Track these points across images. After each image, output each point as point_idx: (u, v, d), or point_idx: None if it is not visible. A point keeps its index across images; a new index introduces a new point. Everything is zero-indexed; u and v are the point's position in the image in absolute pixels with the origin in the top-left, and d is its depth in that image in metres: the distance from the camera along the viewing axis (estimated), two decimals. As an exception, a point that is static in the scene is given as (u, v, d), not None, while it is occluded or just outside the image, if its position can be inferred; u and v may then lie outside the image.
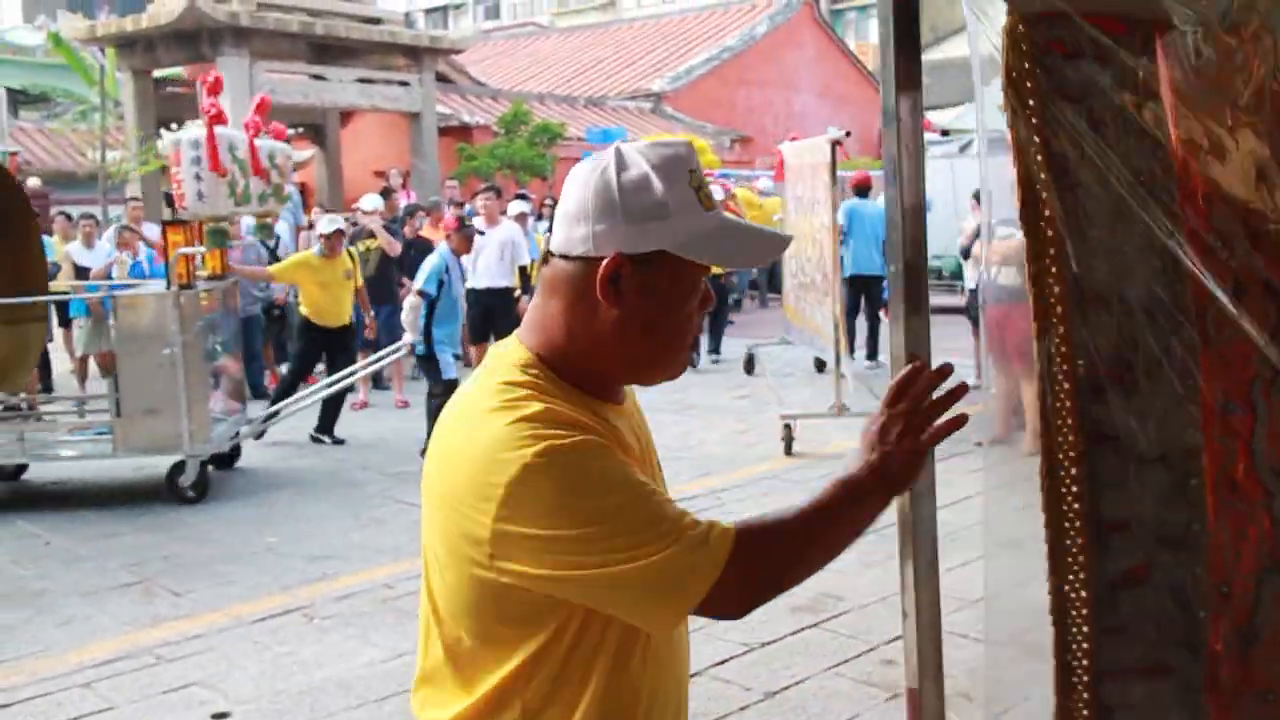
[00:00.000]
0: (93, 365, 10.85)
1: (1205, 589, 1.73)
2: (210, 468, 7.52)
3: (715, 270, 1.56)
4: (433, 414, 7.83)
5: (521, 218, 11.47)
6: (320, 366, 9.45)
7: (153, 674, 4.66)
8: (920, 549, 2.15)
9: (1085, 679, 1.83)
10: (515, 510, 1.33)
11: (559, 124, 18.09)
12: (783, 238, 1.60)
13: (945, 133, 22.49)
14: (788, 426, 8.29)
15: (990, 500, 2.98)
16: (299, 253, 10.11)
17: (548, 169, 17.08)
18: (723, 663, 4.64)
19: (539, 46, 30.81)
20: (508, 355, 1.50)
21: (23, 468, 7.94)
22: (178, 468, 7.24)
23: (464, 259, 8.67)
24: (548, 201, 14.64)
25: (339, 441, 8.93)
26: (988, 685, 3.82)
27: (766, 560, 1.43)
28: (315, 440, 8.93)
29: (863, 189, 12.47)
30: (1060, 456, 1.82)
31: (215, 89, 7.69)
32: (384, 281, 10.71)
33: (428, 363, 8.12)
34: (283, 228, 11.66)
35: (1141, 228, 1.69)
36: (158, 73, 16.05)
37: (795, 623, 5.07)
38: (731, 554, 1.39)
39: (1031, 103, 1.79)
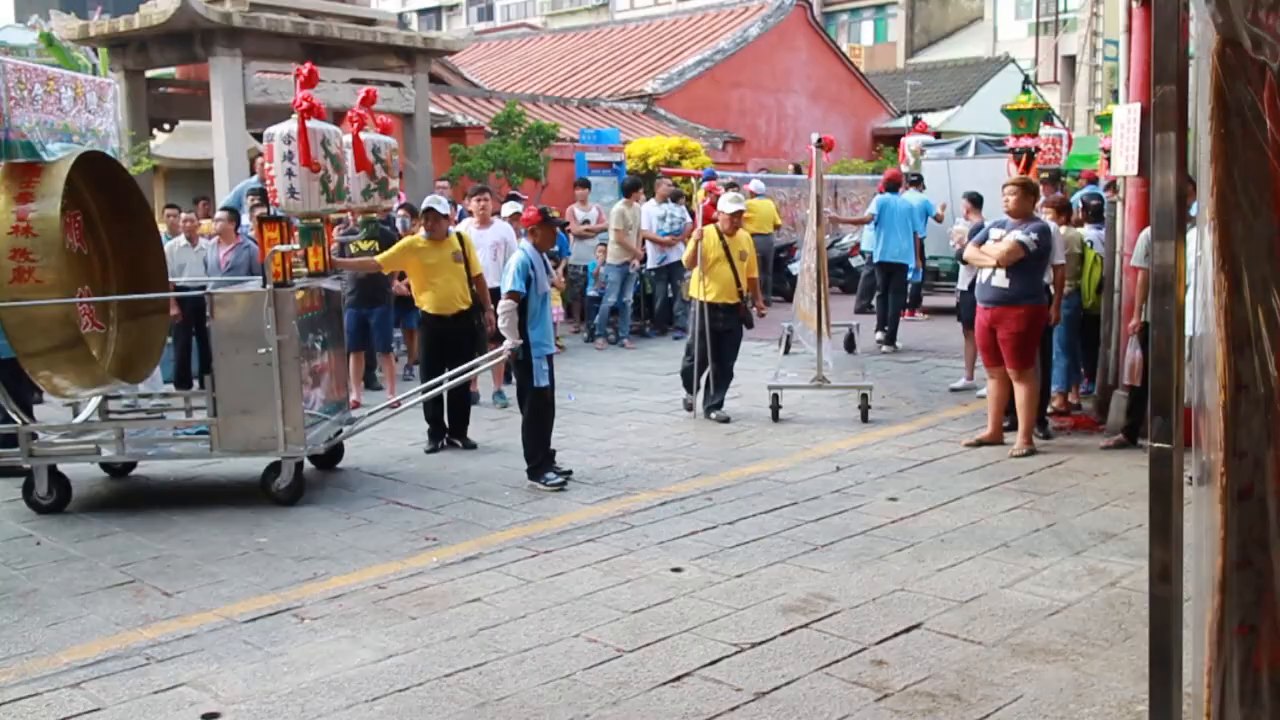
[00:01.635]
0: None
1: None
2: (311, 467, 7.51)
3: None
4: (526, 420, 7.59)
5: (515, 218, 11.48)
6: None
7: (143, 674, 4.65)
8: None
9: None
10: None
11: (552, 125, 18.08)
12: None
13: (937, 135, 22.50)
14: (775, 395, 9.55)
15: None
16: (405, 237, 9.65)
17: (541, 170, 17.07)
18: (713, 663, 4.64)
19: (532, 48, 30.80)
20: None
21: (131, 464, 7.93)
22: (272, 469, 7.16)
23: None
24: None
25: (470, 445, 8.68)
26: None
27: None
28: (450, 446, 8.66)
29: (894, 184, 14.10)
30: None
31: (309, 82, 7.35)
32: (375, 282, 10.69)
33: (522, 365, 7.62)
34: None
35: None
36: (150, 73, 16.00)
37: (786, 623, 5.07)
38: None
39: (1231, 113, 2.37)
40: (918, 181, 14.85)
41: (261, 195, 9.76)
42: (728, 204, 9.62)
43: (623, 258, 13.66)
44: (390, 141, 8.65)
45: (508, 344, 7.48)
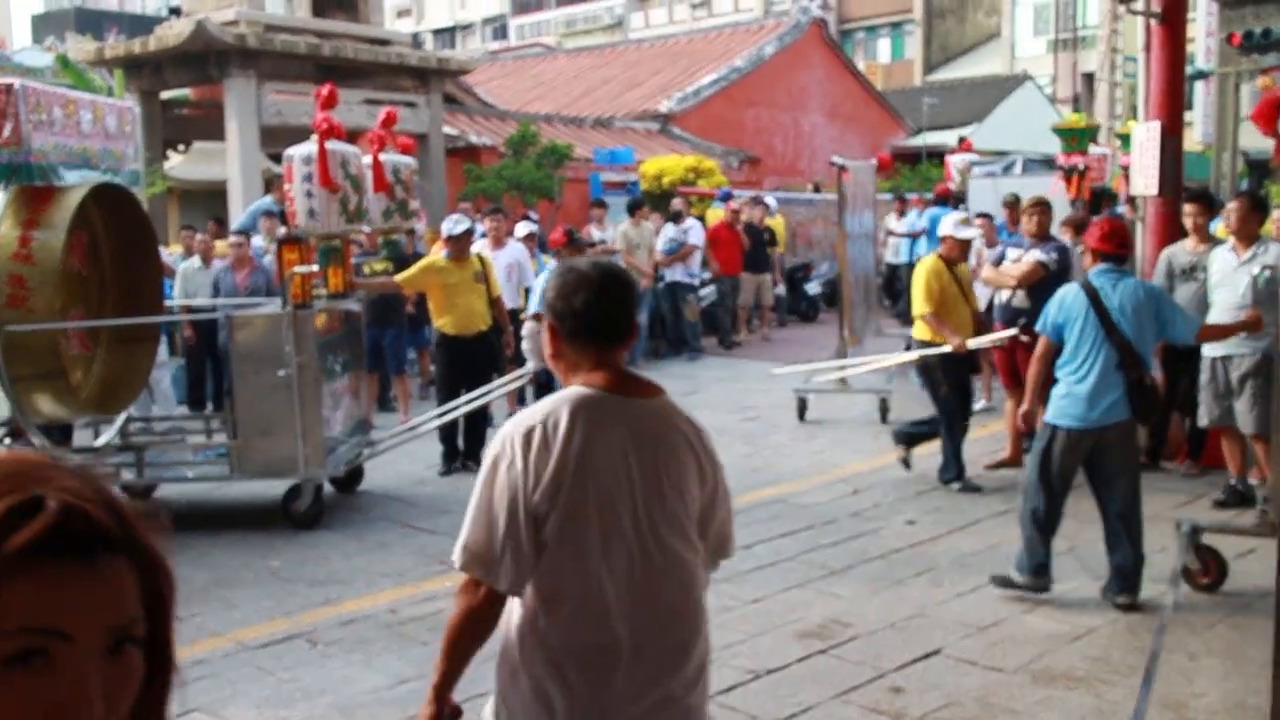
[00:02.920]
0: None
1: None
2: (332, 490, 7.46)
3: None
4: None
5: (529, 239, 11.47)
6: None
7: (153, 701, 4.60)
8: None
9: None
10: None
11: (566, 145, 18.09)
12: None
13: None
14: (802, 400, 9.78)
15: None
16: (427, 256, 9.57)
17: (555, 190, 17.08)
18: (729, 690, 4.58)
19: (546, 68, 30.88)
20: None
21: (152, 486, 7.91)
22: (292, 492, 7.12)
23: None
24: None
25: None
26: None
27: None
28: (465, 469, 8.54)
29: (943, 199, 14.72)
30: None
31: (328, 103, 7.33)
32: (388, 303, 10.68)
33: (544, 387, 7.48)
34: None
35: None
36: (165, 94, 16.10)
37: (803, 649, 5.00)
38: None
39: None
40: (959, 200, 14.91)
41: (281, 216, 9.79)
42: (958, 228, 7.86)
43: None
44: (410, 162, 8.63)
45: (529, 366, 7.42)
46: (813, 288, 18.33)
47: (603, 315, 2.42)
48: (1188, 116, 26.09)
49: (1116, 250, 5.50)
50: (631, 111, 24.73)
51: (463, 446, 8.70)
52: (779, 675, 4.73)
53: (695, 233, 14.50)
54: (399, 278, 8.96)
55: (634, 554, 2.32)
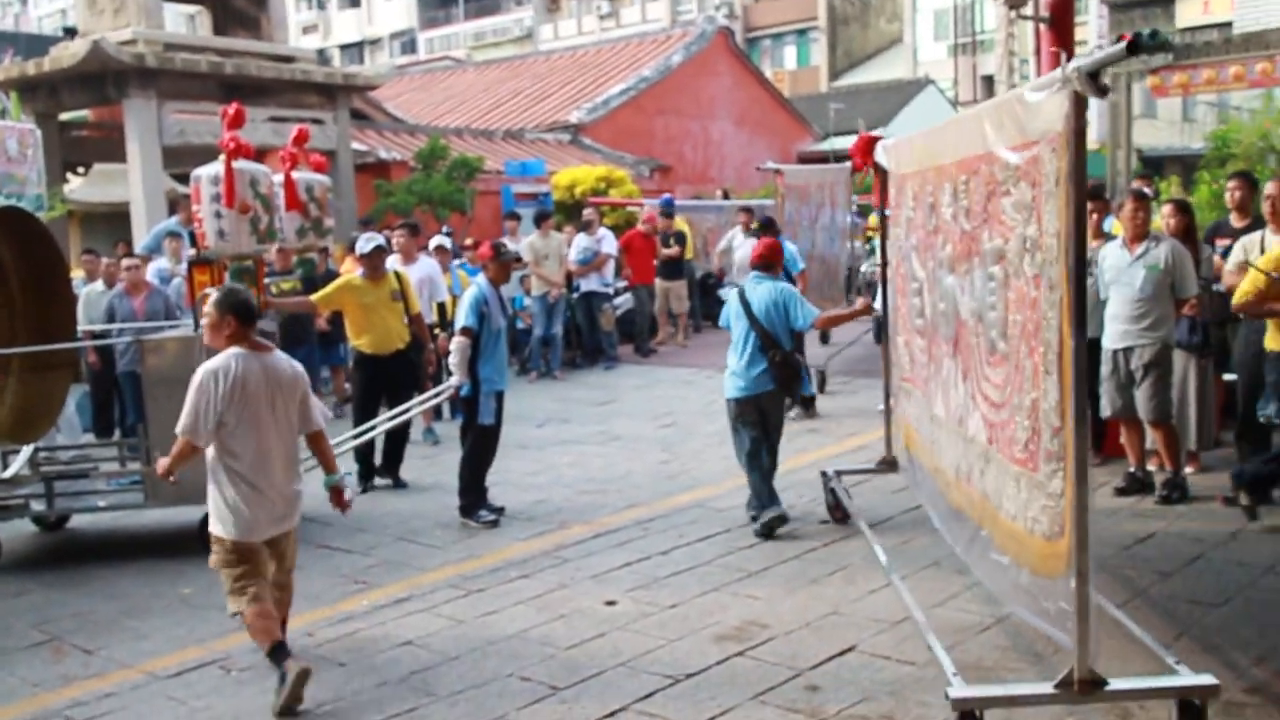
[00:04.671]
0: None
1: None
2: None
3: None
4: (465, 456, 7.48)
5: (441, 251, 11.41)
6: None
7: (61, 737, 4.50)
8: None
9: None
10: None
11: (477, 158, 18.04)
12: None
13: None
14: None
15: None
16: (342, 276, 9.40)
17: (467, 203, 17.01)
18: (648, 696, 4.61)
19: (456, 81, 30.76)
20: None
21: (65, 518, 7.69)
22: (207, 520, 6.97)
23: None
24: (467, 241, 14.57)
25: (401, 485, 8.50)
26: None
27: None
28: (381, 485, 8.50)
29: None
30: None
31: (235, 122, 7.16)
32: (299, 322, 10.55)
33: (467, 404, 7.46)
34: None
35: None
36: (63, 115, 15.74)
37: (720, 652, 5.05)
38: None
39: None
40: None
41: (191, 238, 9.62)
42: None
43: (541, 289, 13.61)
44: (323, 180, 8.54)
45: (451, 382, 7.37)
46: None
47: (248, 311, 4.90)
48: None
49: (764, 265, 7.16)
50: (542, 123, 24.75)
51: (380, 463, 8.62)
52: (697, 679, 4.77)
53: (608, 242, 14.54)
54: (315, 297, 8.85)
55: (268, 433, 4.83)
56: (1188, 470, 7.43)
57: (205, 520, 6.94)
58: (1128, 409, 7.27)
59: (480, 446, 7.49)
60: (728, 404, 7.09)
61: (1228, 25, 18.34)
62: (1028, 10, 8.76)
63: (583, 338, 14.72)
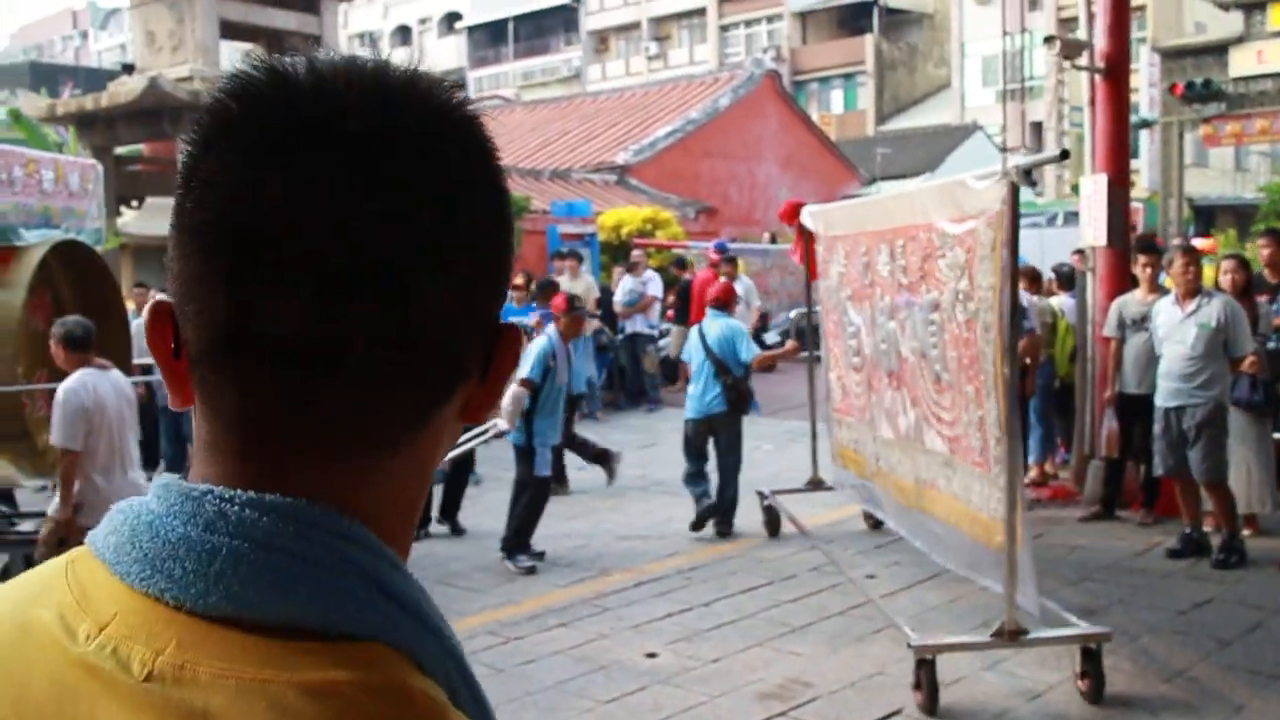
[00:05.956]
0: None
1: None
2: None
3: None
4: (524, 508, 7.37)
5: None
6: None
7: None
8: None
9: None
10: None
11: (524, 197, 18.13)
12: None
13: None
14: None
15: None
16: None
17: (514, 242, 17.08)
18: (689, 757, 4.51)
19: (504, 120, 31.02)
20: None
21: None
22: None
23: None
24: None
25: (459, 531, 8.20)
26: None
27: None
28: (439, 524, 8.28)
29: None
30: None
31: None
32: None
33: (524, 454, 7.42)
34: None
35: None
36: (118, 149, 16.01)
37: (764, 711, 4.94)
38: None
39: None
40: None
41: None
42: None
43: None
44: None
45: (500, 425, 7.26)
46: (771, 337, 18.39)
47: (72, 340, 5.48)
48: (1134, 164, 26.62)
49: (718, 304, 8.20)
50: (589, 163, 24.87)
51: (438, 505, 8.36)
52: (739, 739, 4.66)
53: (654, 284, 14.51)
54: None
55: (116, 437, 5.46)
56: (1245, 533, 7.24)
57: None
58: (1180, 468, 7.11)
59: (538, 499, 7.43)
60: (685, 423, 8.22)
61: (1283, 76, 18.19)
62: (1082, 61, 8.67)
63: (625, 379, 14.67)
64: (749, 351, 8.00)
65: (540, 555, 7.43)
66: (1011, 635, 4.99)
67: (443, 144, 0.69)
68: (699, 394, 8.01)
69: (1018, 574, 4.97)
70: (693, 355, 8.19)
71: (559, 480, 9.23)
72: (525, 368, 7.23)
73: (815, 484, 8.37)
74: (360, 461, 0.68)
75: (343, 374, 0.66)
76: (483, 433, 7.58)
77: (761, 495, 8.14)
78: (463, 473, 8.34)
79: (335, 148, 0.65)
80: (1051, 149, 29.28)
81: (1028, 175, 5.01)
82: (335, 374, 0.66)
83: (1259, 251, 8.06)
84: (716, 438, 8.07)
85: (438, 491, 8.37)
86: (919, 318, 5.99)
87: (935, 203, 5.73)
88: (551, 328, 7.56)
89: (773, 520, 8.03)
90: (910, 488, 6.44)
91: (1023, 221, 18.47)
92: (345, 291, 0.64)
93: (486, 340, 0.72)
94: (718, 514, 8.05)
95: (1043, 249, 15.91)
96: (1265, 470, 7.54)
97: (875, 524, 7.94)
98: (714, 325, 8.09)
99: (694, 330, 8.32)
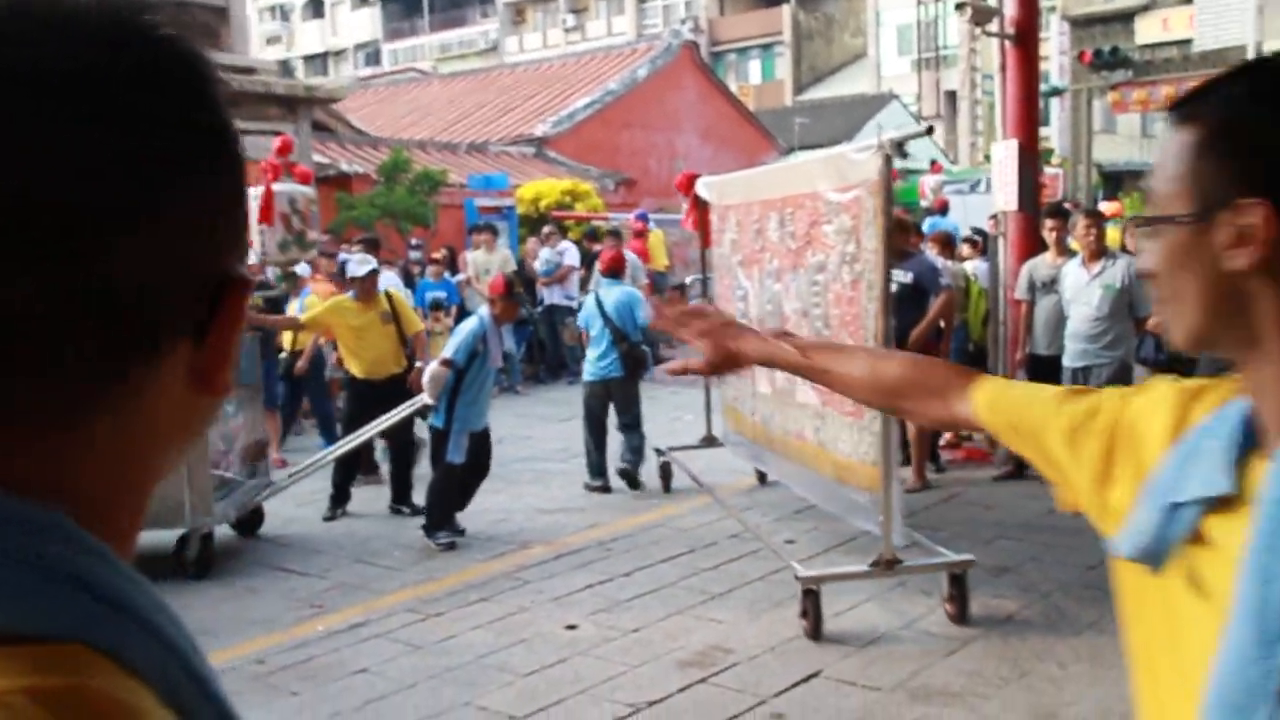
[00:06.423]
0: None
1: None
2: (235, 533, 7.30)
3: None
4: (429, 491, 7.27)
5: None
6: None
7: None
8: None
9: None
10: None
11: (440, 171, 17.91)
12: None
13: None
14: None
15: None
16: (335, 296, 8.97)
17: (430, 217, 16.87)
18: (609, 726, 4.51)
19: (420, 93, 30.61)
20: None
21: None
22: (183, 540, 6.73)
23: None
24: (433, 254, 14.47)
25: (418, 511, 7.80)
26: None
27: None
28: (395, 512, 8.09)
29: (943, 209, 16.17)
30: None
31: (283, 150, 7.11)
32: (265, 338, 10.32)
33: (439, 437, 7.22)
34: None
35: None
36: None
37: (683, 678, 4.96)
38: None
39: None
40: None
41: None
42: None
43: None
44: (308, 191, 8.26)
45: (420, 398, 7.15)
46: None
47: None
48: (1044, 132, 27.05)
49: (611, 272, 8.67)
50: (507, 136, 24.65)
51: (393, 487, 8.28)
52: (659, 708, 4.67)
53: (570, 254, 14.43)
54: (304, 317, 8.61)
55: None
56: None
57: (182, 541, 6.82)
58: (1089, 427, 7.25)
59: (445, 481, 7.28)
60: (583, 385, 8.68)
61: (1187, 43, 18.51)
62: (993, 28, 8.77)
63: (545, 352, 14.60)
64: (647, 316, 8.16)
65: (461, 531, 7.37)
66: (887, 564, 5.52)
67: (128, 76, 0.61)
68: (596, 358, 8.46)
69: (891, 511, 5.50)
70: (591, 322, 8.53)
71: (369, 470, 9.01)
72: (451, 347, 7.09)
73: (709, 440, 8.79)
74: (51, 441, 0.61)
75: (6, 339, 0.58)
76: (403, 410, 7.44)
77: (659, 451, 8.57)
78: (407, 454, 8.21)
79: None
80: (965, 117, 29.67)
81: (900, 147, 5.79)
82: None
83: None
84: (615, 400, 8.50)
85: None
86: (803, 279, 6.50)
87: (821, 173, 6.23)
88: (485, 309, 7.34)
89: (666, 476, 8.48)
90: (780, 439, 7.06)
91: (946, 189, 18.86)
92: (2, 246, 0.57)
93: (201, 297, 0.65)
94: (634, 470, 8.55)
95: (966, 214, 16.21)
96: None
97: (762, 478, 8.37)
98: (610, 293, 8.47)
99: (590, 298, 8.77)
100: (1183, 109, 1.07)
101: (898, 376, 1.56)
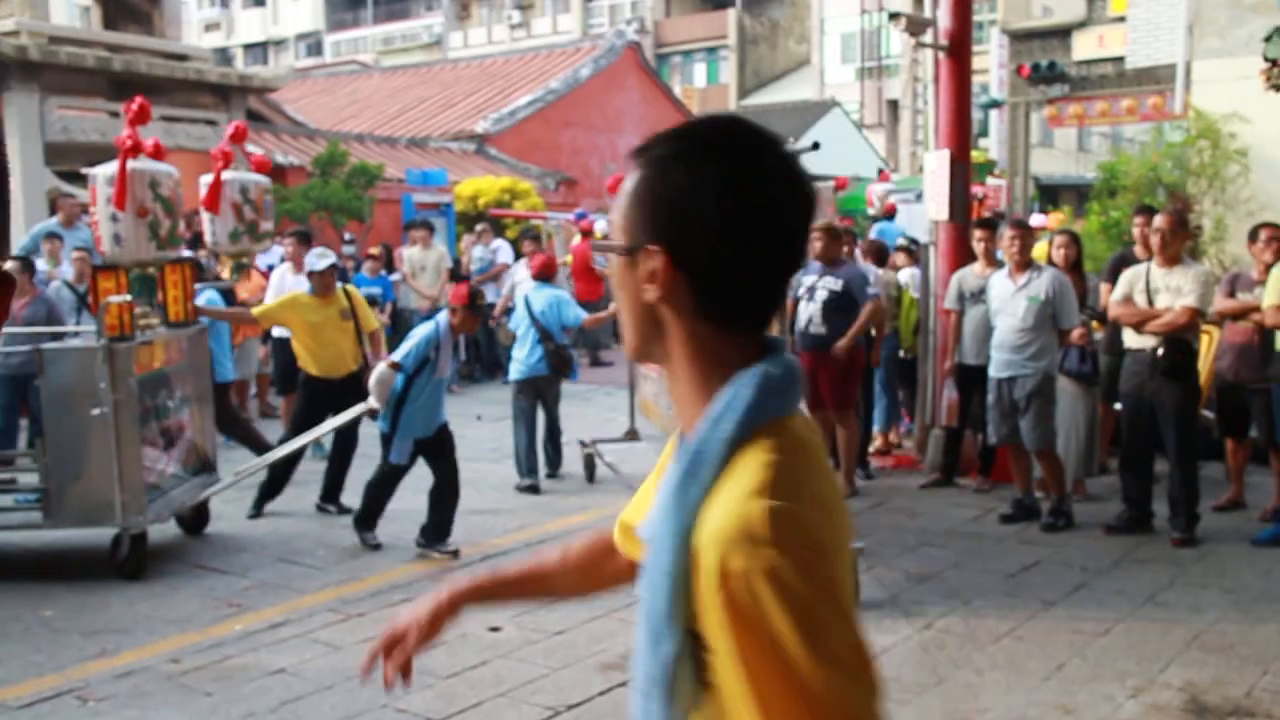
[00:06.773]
0: None
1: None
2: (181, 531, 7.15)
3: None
4: (369, 489, 7.11)
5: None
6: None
7: (-105, 774, 4.22)
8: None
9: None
10: None
11: (377, 165, 17.71)
12: None
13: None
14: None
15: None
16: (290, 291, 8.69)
17: (365, 211, 16.68)
18: (527, 730, 4.48)
19: (361, 85, 30.28)
20: None
21: None
22: (117, 540, 6.53)
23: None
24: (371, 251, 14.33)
25: (345, 511, 7.71)
26: None
27: None
28: (322, 510, 7.94)
29: (890, 215, 15.79)
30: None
31: (138, 118, 6.61)
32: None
33: (385, 441, 7.02)
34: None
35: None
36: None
37: (605, 681, 4.95)
38: None
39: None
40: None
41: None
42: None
43: (417, 302, 13.41)
44: (261, 180, 8.01)
45: (366, 403, 6.96)
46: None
47: None
48: (984, 143, 27.34)
49: (542, 276, 8.98)
50: (447, 131, 24.46)
51: (326, 486, 8.11)
52: (580, 710, 4.66)
53: (504, 252, 14.38)
54: (256, 311, 8.34)
55: None
56: (1075, 498, 7.53)
57: (116, 541, 6.64)
58: (1012, 436, 7.35)
59: (385, 481, 7.12)
60: (512, 384, 8.85)
61: (1122, 59, 18.82)
62: (927, 38, 8.85)
63: (480, 351, 14.52)
64: (576, 316, 8.76)
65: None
66: None
67: None
68: (524, 357, 8.67)
69: None
70: (519, 323, 8.79)
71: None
72: (402, 351, 6.89)
73: (631, 435, 9.10)
74: None
75: None
76: (353, 412, 7.26)
77: (582, 444, 8.93)
78: (347, 454, 8.06)
79: None
80: (906, 126, 29.97)
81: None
82: None
83: (1136, 229, 8.08)
84: (543, 398, 8.83)
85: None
86: None
87: None
88: (443, 316, 7.07)
89: (589, 467, 8.91)
90: None
91: (895, 197, 19.00)
92: None
93: None
94: (557, 465, 9.06)
95: (910, 223, 16.31)
96: (1091, 437, 7.87)
97: None
98: (539, 295, 8.72)
99: (520, 299, 8.96)
100: (636, 155, 1.33)
101: (586, 544, 1.77)
